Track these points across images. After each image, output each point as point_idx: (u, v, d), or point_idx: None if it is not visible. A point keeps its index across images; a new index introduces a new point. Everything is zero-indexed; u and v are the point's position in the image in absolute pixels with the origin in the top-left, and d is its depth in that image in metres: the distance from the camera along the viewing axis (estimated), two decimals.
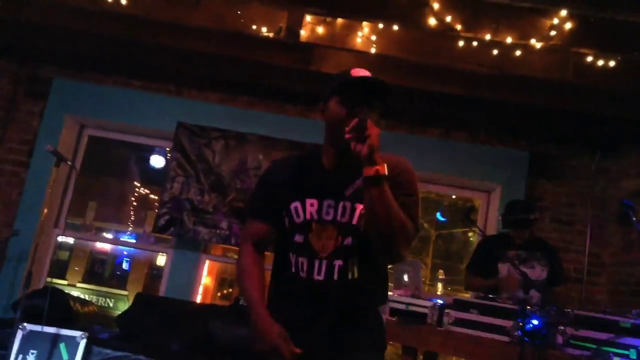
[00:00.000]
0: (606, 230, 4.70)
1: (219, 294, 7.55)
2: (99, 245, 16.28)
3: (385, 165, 1.57)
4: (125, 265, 16.82)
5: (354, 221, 1.71)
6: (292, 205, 1.77)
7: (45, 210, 4.67)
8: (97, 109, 5.01)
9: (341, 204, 1.73)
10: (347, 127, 1.58)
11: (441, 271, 5.43)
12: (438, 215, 7.37)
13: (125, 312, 4.70)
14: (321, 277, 1.71)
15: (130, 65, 4.91)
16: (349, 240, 1.71)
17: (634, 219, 2.50)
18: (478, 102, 4.01)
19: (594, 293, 4.67)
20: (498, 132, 4.85)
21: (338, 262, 1.71)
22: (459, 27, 2.95)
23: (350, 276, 1.71)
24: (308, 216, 1.75)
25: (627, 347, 2.56)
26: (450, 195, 7.19)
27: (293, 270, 1.76)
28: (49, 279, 5.00)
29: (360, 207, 1.70)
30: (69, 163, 3.72)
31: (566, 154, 4.90)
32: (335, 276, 1.71)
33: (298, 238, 1.75)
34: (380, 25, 3.30)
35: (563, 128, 4.54)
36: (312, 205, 1.75)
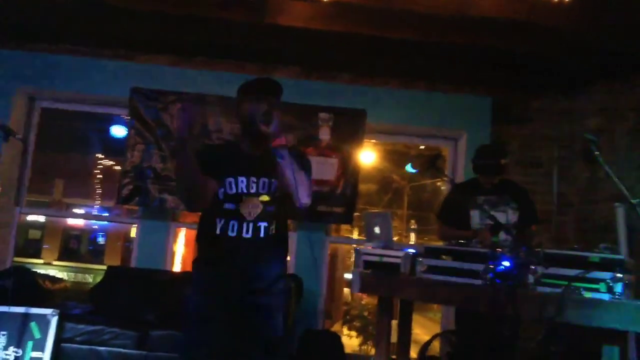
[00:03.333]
0: (572, 169, 4.74)
1: None
2: (71, 221, 16.01)
3: (285, 138, 2.17)
4: (100, 240, 16.63)
5: (270, 190, 2.32)
6: (227, 180, 2.31)
7: (0, 189, 4.50)
8: (47, 80, 4.82)
9: (261, 179, 2.32)
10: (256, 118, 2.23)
11: (413, 221, 5.46)
12: (408, 167, 7.33)
13: (97, 286, 4.63)
14: (249, 235, 2.29)
15: (78, 31, 4.66)
16: (271, 208, 2.32)
17: (597, 152, 2.48)
18: (435, 48, 3.93)
19: (563, 232, 4.74)
20: (459, 79, 4.81)
21: (262, 224, 2.31)
22: None
23: (270, 233, 2.33)
24: (239, 190, 2.31)
25: (597, 281, 2.57)
26: (418, 146, 7.20)
27: (219, 231, 2.29)
28: (18, 259, 4.86)
29: (274, 181, 2.31)
30: (19, 137, 3.54)
31: (529, 97, 4.89)
32: (262, 234, 2.31)
33: (229, 206, 2.30)
34: None
35: (523, 70, 4.50)
36: (242, 182, 2.31)
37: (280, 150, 2.13)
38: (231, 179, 2.30)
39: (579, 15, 3.38)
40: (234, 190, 2.30)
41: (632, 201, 2.50)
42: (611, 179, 2.52)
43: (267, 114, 2.22)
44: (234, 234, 2.28)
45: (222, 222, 2.29)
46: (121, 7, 3.87)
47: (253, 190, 2.31)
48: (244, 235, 2.28)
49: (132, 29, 4.43)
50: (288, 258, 2.68)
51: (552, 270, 2.68)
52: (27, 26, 4.60)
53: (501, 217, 3.59)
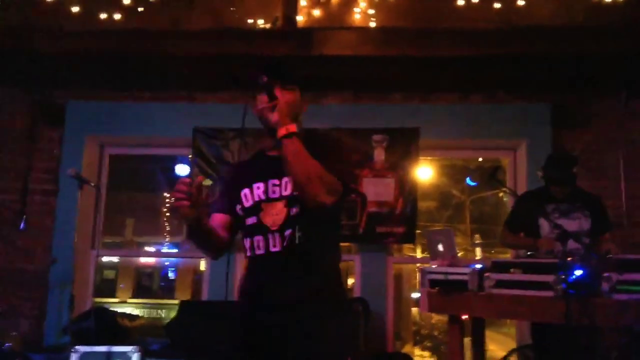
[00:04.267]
0: None
1: None
2: (143, 259, 16.60)
3: (295, 125, 1.80)
4: (171, 275, 17.13)
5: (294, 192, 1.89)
6: (242, 193, 1.99)
7: (78, 234, 4.75)
8: (113, 127, 5.07)
9: (283, 180, 1.93)
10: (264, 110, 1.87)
11: (477, 235, 5.36)
12: (468, 180, 7.24)
13: (172, 321, 4.77)
14: (277, 248, 1.90)
15: (138, 78, 4.93)
16: (294, 210, 1.89)
17: None
18: (489, 60, 3.91)
19: (637, 236, 4.54)
20: (515, 88, 4.73)
21: (288, 232, 1.89)
22: None
23: (299, 241, 1.88)
24: (257, 198, 1.96)
25: None
26: (476, 159, 7.09)
27: (249, 253, 1.96)
28: (96, 299, 5.11)
29: None
30: (92, 184, 3.77)
31: (589, 100, 4.75)
32: (286, 243, 1.88)
33: (251, 220, 1.96)
34: None
35: (582, 73, 4.39)
36: (258, 188, 1.97)
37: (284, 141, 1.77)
38: (246, 190, 1.98)
39: (635, 12, 3.29)
40: (251, 201, 1.96)
41: None
42: None
43: (271, 98, 1.84)
44: (262, 252, 1.92)
45: (249, 242, 1.95)
46: (176, 52, 4.07)
47: (275, 195, 1.93)
48: (272, 249, 1.90)
49: (188, 70, 4.65)
50: (351, 281, 2.31)
51: (627, 276, 2.60)
52: (90, 78, 4.89)
53: (573, 225, 3.51)
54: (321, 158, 1.83)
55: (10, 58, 4.35)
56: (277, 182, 1.93)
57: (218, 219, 2.05)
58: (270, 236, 1.89)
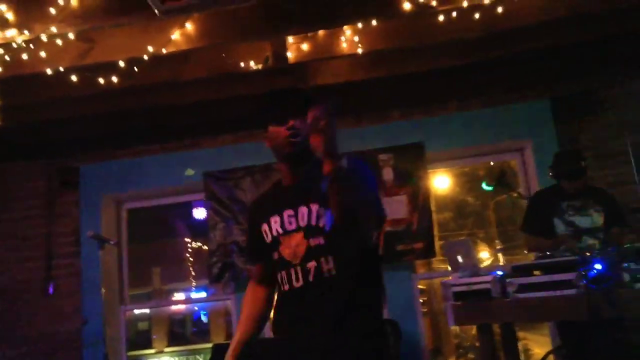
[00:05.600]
0: None
1: None
2: (174, 307, 16.68)
3: (330, 163, 1.58)
4: (203, 319, 17.15)
5: (313, 222, 1.81)
6: (263, 229, 1.92)
7: (105, 291, 4.83)
8: (127, 183, 5.20)
9: (299, 210, 1.83)
10: (289, 132, 1.79)
11: (497, 241, 5.33)
12: (483, 185, 7.19)
13: None
14: (300, 283, 1.81)
15: (144, 133, 5.07)
16: (315, 241, 1.79)
17: None
18: (481, 66, 3.97)
19: None
20: (512, 88, 4.77)
21: (312, 264, 1.79)
22: (434, 3, 2.94)
23: (326, 275, 1.77)
24: (274, 232, 1.88)
25: None
26: (488, 163, 7.09)
27: (280, 288, 1.90)
28: (132, 353, 5.16)
29: (315, 207, 1.81)
30: (112, 242, 3.87)
31: (591, 87, 4.75)
32: (311, 278, 1.78)
33: (275, 256, 1.89)
34: (360, 25, 3.32)
35: (579, 63, 4.42)
36: (275, 222, 1.88)
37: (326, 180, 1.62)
38: (265, 225, 1.91)
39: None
40: (270, 237, 1.89)
41: None
42: None
43: (291, 127, 1.78)
44: (287, 288, 1.85)
45: (278, 276, 1.89)
46: (177, 103, 4.19)
47: (292, 227, 1.84)
48: (295, 284, 1.81)
49: (190, 118, 4.78)
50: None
51: None
52: (100, 138, 5.03)
53: (586, 221, 3.51)
54: (366, 183, 1.75)
55: (24, 134, 4.54)
56: (291, 212, 1.84)
57: (255, 270, 2.07)
58: (292, 271, 1.81)
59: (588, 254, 2.84)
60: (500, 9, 3.14)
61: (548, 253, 3.23)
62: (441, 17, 3.18)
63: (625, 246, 2.74)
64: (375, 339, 1.82)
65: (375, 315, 1.87)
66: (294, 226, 1.84)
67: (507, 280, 3.05)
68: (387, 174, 4.78)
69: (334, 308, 1.75)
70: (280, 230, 1.86)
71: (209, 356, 4.98)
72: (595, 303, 2.58)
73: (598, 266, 2.70)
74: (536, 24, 3.43)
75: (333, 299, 1.76)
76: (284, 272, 1.85)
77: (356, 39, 3.40)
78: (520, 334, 9.81)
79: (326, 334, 1.74)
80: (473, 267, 3.38)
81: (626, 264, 2.64)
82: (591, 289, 2.62)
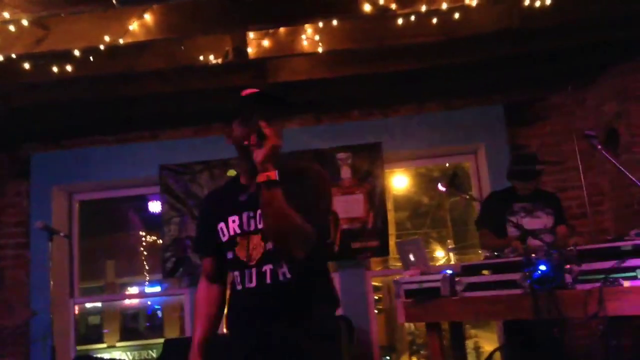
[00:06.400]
0: (598, 158, 4.71)
1: None
2: (127, 301, 16.37)
3: (277, 171, 1.63)
4: (157, 314, 16.90)
5: None
6: (219, 227, 1.92)
7: (54, 284, 4.71)
8: (80, 174, 5.09)
9: (259, 212, 1.79)
10: (246, 141, 1.72)
11: (449, 241, 5.46)
12: (439, 186, 7.36)
13: None
14: (253, 284, 1.82)
15: (99, 123, 4.97)
16: (271, 245, 1.79)
17: (599, 147, 2.52)
18: (439, 70, 4.05)
19: (602, 223, 4.69)
20: (467, 93, 4.90)
21: (268, 267, 1.81)
22: (393, 6, 2.99)
23: (281, 278, 1.80)
24: (232, 232, 1.88)
25: (632, 269, 2.58)
26: (444, 165, 7.24)
27: (231, 287, 1.92)
28: (83, 347, 5.06)
29: None
30: (62, 234, 3.78)
31: (539, 96, 4.94)
32: (268, 280, 1.80)
33: (229, 255, 1.89)
34: (320, 24, 3.35)
35: (529, 72, 4.57)
36: (234, 221, 1.88)
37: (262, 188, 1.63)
38: (222, 224, 1.90)
39: (563, 15, 3.48)
40: (227, 236, 1.89)
41: None
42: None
43: (259, 134, 1.66)
44: (240, 287, 1.86)
45: (231, 276, 1.92)
46: (134, 94, 4.12)
47: (251, 228, 1.84)
48: (247, 285, 1.83)
49: (147, 110, 4.70)
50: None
51: (589, 266, 2.70)
52: (52, 127, 4.91)
53: (537, 223, 3.64)
54: (307, 192, 1.77)
55: None
56: (252, 214, 1.84)
57: (205, 264, 2.05)
58: (247, 272, 1.82)
59: (533, 255, 2.94)
60: (457, 15, 3.22)
61: (496, 253, 3.33)
62: (400, 21, 3.23)
63: (569, 248, 2.85)
64: (329, 339, 1.87)
65: (329, 314, 1.93)
66: (252, 227, 1.84)
67: (456, 279, 3.14)
68: (345, 173, 4.83)
69: (287, 308, 1.79)
70: (238, 231, 1.86)
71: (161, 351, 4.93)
72: (539, 303, 2.67)
73: (542, 267, 2.81)
74: (491, 33, 3.53)
75: (287, 301, 1.79)
76: (237, 273, 1.86)
77: (317, 37, 3.43)
78: (473, 332, 10.06)
79: (281, 333, 1.78)
80: (424, 266, 3.46)
81: (569, 266, 2.74)
82: (535, 289, 2.71)
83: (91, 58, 3.38)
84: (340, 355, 1.93)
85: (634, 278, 2.56)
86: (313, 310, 1.84)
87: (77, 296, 5.24)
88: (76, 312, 5.21)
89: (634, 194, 4.35)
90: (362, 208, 4.76)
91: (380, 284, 9.60)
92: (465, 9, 3.16)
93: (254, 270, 1.81)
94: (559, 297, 2.72)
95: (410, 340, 12.14)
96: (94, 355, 4.98)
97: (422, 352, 11.64)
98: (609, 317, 2.72)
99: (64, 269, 5.11)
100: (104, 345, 14.53)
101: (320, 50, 3.44)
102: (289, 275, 1.79)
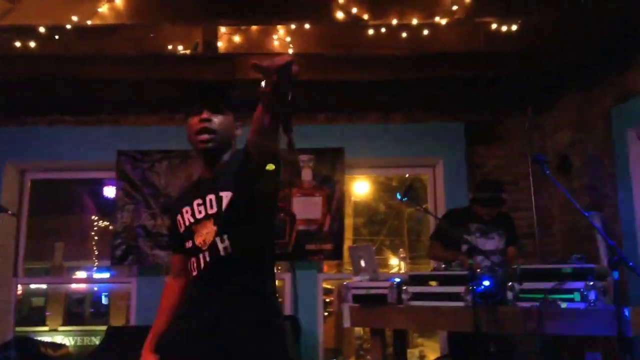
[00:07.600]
0: (549, 182, 4.88)
1: None
2: (74, 285, 15.99)
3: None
4: (104, 300, 16.56)
5: (223, 208, 1.83)
6: (177, 220, 1.96)
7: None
8: (34, 152, 4.95)
9: (207, 198, 1.87)
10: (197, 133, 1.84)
11: (401, 250, 5.56)
12: (397, 195, 7.48)
13: (97, 348, 4.68)
14: (202, 266, 1.85)
15: (60, 103, 4.86)
16: (220, 222, 1.83)
17: (548, 172, 2.63)
18: (404, 83, 4.13)
19: (549, 245, 4.85)
20: (431, 108, 5.00)
21: (213, 246, 1.83)
22: (366, 16, 3.04)
23: (222, 253, 1.81)
24: (187, 222, 1.92)
25: (571, 291, 2.70)
26: (403, 175, 7.37)
27: (189, 274, 1.92)
28: (24, 329, 4.95)
29: (225, 194, 1.83)
30: (9, 213, 3.69)
31: (499, 117, 5.08)
32: (208, 257, 1.83)
33: (188, 244, 1.91)
34: (293, 26, 3.37)
35: (490, 94, 4.71)
36: (187, 212, 1.92)
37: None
38: (179, 216, 1.95)
39: (527, 38, 3.59)
40: (183, 227, 1.93)
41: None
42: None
43: (204, 119, 1.81)
44: (195, 274, 1.88)
45: (189, 264, 1.91)
46: (98, 77, 4.06)
47: (201, 215, 1.88)
48: (201, 269, 1.86)
49: (111, 94, 4.64)
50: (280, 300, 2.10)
51: (530, 285, 2.81)
52: (11, 102, 4.78)
53: (490, 244, 3.77)
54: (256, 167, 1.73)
55: None
56: (200, 201, 1.88)
57: (174, 261, 2.08)
58: (201, 256, 1.83)
59: (479, 270, 3.04)
60: (426, 32, 3.30)
61: (443, 266, 3.42)
62: (371, 31, 3.29)
63: (513, 267, 2.96)
64: (265, 325, 1.83)
65: (269, 303, 1.89)
66: (202, 214, 1.87)
67: (404, 287, 3.21)
68: (306, 175, 4.86)
69: (229, 290, 1.80)
70: (191, 220, 1.90)
71: None
72: (479, 317, 2.76)
73: (486, 282, 2.91)
74: (458, 52, 3.64)
75: (229, 280, 1.81)
76: (194, 259, 1.87)
77: (288, 39, 3.45)
78: (419, 340, 10.22)
79: (219, 320, 1.78)
80: (373, 272, 3.52)
81: (511, 283, 2.84)
82: (477, 303, 2.80)
83: (57, 36, 3.31)
84: (281, 345, 1.90)
85: (571, 300, 2.69)
86: (250, 295, 1.82)
87: (21, 276, 5.10)
88: (19, 292, 5.08)
89: (581, 219, 4.51)
90: (320, 211, 4.80)
91: (332, 287, 9.67)
92: (434, 27, 3.24)
93: (206, 253, 1.83)
94: (499, 313, 2.82)
95: (358, 344, 12.25)
96: (34, 338, 4.86)
97: (368, 357, 11.77)
98: (546, 336, 2.84)
99: (9, 247, 4.97)
100: (46, 328, 14.17)
101: (290, 52, 3.46)
102: (230, 250, 1.80)
